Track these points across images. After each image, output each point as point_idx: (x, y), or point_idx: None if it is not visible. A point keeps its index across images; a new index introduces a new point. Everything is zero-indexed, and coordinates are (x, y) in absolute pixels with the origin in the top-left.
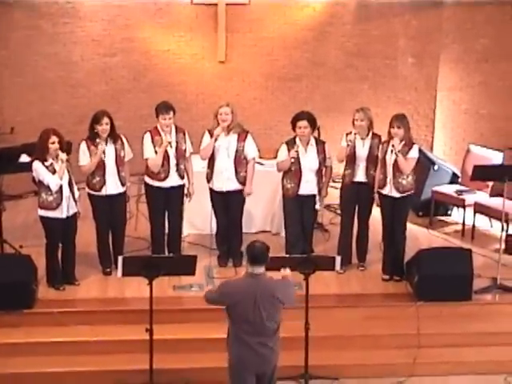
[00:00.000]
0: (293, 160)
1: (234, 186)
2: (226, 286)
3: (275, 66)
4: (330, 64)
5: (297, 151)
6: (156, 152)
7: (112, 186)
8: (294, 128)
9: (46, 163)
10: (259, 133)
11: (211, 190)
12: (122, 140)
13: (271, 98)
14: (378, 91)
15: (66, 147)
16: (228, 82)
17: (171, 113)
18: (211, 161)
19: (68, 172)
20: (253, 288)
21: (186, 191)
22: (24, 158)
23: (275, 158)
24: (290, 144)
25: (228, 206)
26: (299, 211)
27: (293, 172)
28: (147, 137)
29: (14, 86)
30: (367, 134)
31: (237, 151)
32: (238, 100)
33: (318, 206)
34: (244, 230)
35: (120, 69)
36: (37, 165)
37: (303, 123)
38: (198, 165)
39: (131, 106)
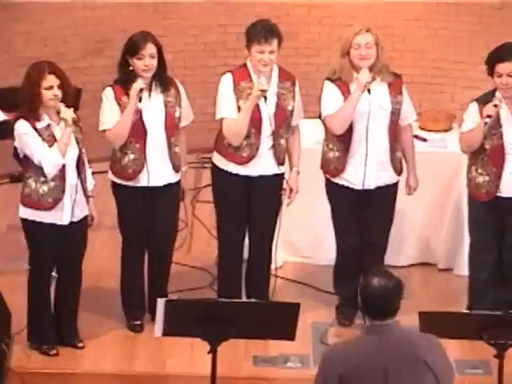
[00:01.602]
0: (487, 120)
1: (388, 177)
2: (331, 356)
3: None
4: None
5: (496, 105)
6: (239, 109)
7: (157, 172)
8: (491, 73)
9: (39, 125)
10: (416, 83)
11: (338, 186)
12: (177, 88)
13: (443, 21)
14: None
15: (73, 97)
16: None
17: (275, 41)
18: (342, 137)
19: (77, 142)
20: (379, 352)
21: (284, 185)
22: None
23: (447, 130)
24: (485, 102)
25: (368, 212)
26: (498, 228)
27: (488, 153)
28: (226, 82)
29: None
30: None
31: (392, 113)
32: (384, 22)
33: None
34: (386, 263)
35: None
36: (23, 127)
37: (510, 66)
38: (306, 139)
39: (188, 26)
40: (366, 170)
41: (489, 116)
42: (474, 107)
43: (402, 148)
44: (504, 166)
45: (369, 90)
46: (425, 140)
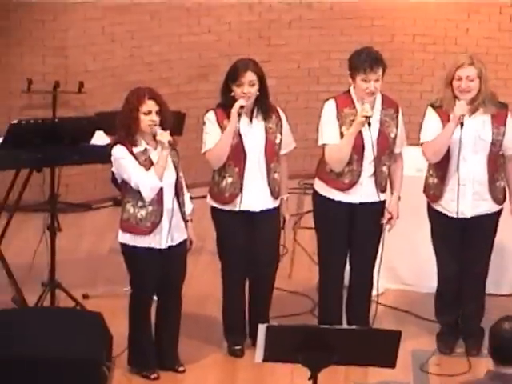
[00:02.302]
0: None
1: (487, 206)
2: None
3: None
4: None
5: None
6: (342, 135)
7: (254, 196)
8: None
9: (136, 149)
10: None
11: (437, 213)
12: (278, 116)
13: None
14: None
15: (174, 122)
16: (463, 13)
17: (380, 70)
18: (440, 164)
19: (174, 167)
20: None
21: (386, 214)
22: (99, 139)
23: None
24: None
25: (467, 240)
26: None
27: None
28: (330, 108)
29: (84, 10)
30: None
31: (493, 144)
32: (488, 50)
33: None
34: (487, 291)
35: None
36: (120, 152)
37: None
38: (408, 166)
39: (292, 52)
40: (460, 199)
41: None
42: None
43: (506, 177)
44: None
45: (462, 124)
46: None
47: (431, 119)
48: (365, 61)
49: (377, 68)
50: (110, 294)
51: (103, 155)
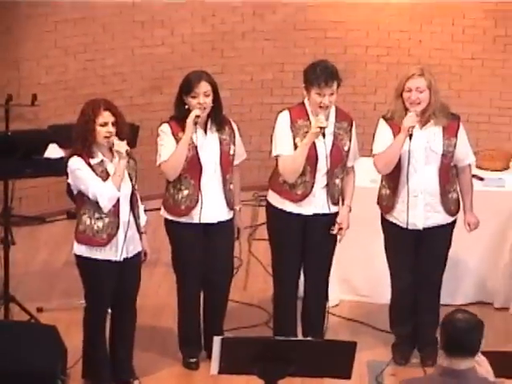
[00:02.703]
0: None
1: (438, 218)
2: None
3: None
4: None
5: None
6: (295, 147)
7: (210, 208)
8: None
9: (93, 161)
10: (472, 122)
11: (390, 224)
12: (231, 127)
13: (500, 60)
14: None
15: (129, 134)
16: (416, 25)
17: (335, 84)
18: (392, 176)
19: (130, 178)
20: None
21: (336, 224)
22: (53, 151)
23: (504, 169)
24: None
25: (420, 251)
26: None
27: None
28: (284, 119)
29: (37, 22)
30: None
31: (444, 156)
32: (441, 61)
33: None
34: (442, 302)
35: None
36: (76, 163)
37: None
38: (362, 177)
39: (245, 64)
40: (411, 211)
41: None
42: None
43: (460, 188)
44: None
45: (410, 136)
46: (482, 179)
47: (383, 131)
48: (320, 75)
49: (332, 83)
50: (65, 307)
51: (57, 168)
